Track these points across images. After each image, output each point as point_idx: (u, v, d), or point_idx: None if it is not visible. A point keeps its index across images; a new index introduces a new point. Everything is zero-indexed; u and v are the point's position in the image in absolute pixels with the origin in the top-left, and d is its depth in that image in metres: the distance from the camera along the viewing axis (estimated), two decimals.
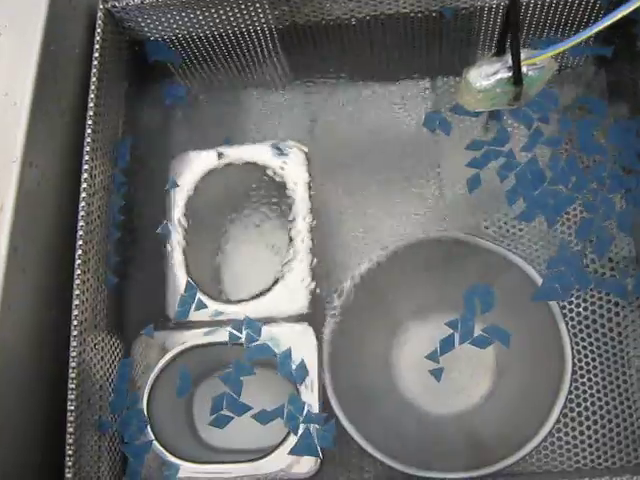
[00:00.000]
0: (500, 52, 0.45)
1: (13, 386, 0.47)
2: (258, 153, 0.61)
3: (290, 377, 0.53)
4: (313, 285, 0.57)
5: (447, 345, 0.54)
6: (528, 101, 0.46)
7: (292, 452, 0.51)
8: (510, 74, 0.44)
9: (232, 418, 0.52)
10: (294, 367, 0.54)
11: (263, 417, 0.52)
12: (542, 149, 0.58)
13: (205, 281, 0.60)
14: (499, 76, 0.44)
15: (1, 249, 0.46)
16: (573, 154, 0.58)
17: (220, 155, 0.61)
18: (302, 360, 0.54)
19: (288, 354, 0.54)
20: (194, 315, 0.57)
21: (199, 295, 0.57)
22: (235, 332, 0.54)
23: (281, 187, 0.60)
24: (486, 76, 0.44)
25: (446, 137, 0.60)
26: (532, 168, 0.56)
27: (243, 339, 0.54)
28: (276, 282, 0.57)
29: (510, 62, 0.43)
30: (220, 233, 0.64)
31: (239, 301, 0.58)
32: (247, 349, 0.54)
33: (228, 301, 0.58)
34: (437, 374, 0.55)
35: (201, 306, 0.56)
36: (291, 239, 0.58)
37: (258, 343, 0.54)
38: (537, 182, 0.55)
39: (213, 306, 0.57)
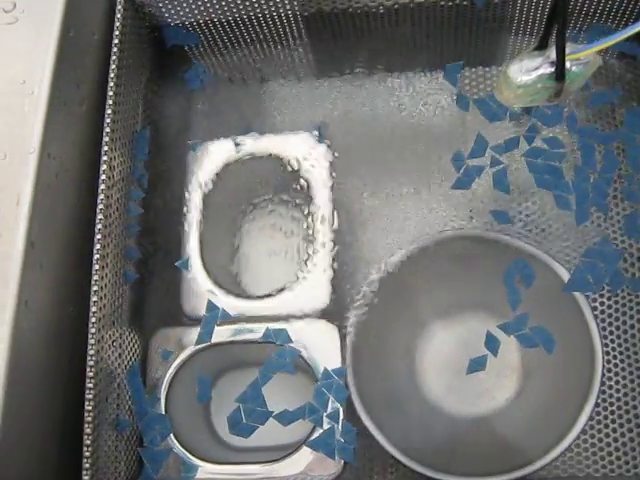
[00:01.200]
0: (542, 46, 0.42)
1: (30, 385, 0.46)
2: (278, 144, 0.59)
3: (313, 376, 0.52)
4: (335, 282, 0.55)
5: (492, 343, 0.53)
6: (568, 97, 0.44)
7: (311, 444, 0.50)
8: (552, 69, 0.42)
9: (256, 427, 0.51)
10: (317, 367, 0.52)
11: (285, 417, 0.51)
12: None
13: (224, 276, 0.58)
14: (541, 71, 0.42)
15: (18, 244, 0.45)
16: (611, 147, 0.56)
17: (239, 145, 0.59)
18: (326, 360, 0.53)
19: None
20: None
21: (217, 290, 0.55)
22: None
23: (302, 180, 0.59)
24: (527, 71, 0.42)
25: (472, 131, 0.58)
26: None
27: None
28: (297, 278, 0.56)
29: (553, 57, 0.41)
30: (238, 226, 0.62)
31: (259, 297, 0.56)
32: (273, 359, 0.53)
33: (248, 297, 0.57)
34: (480, 362, 0.54)
35: (226, 317, 0.54)
36: (312, 234, 0.57)
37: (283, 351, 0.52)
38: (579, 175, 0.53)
39: (233, 303, 0.56)
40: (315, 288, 0.56)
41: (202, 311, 0.56)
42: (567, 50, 0.41)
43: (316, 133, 0.60)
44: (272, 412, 0.51)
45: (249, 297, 0.57)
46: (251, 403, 0.51)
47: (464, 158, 0.57)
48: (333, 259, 0.56)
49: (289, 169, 0.59)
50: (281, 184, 0.62)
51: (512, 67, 0.43)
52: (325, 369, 0.52)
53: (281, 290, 0.56)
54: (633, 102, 0.57)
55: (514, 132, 0.57)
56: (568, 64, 0.42)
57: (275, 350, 0.53)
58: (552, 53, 0.42)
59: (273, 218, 0.62)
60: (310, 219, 0.58)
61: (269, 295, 0.56)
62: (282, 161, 0.59)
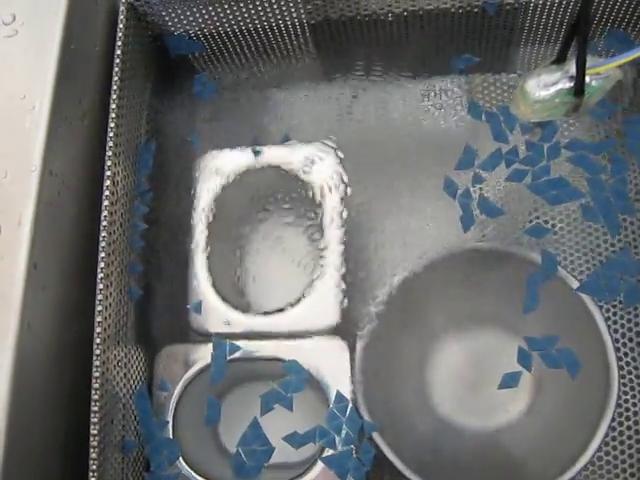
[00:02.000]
0: (560, 59, 0.41)
1: (34, 409, 0.45)
2: (286, 155, 0.58)
3: (325, 397, 0.51)
4: (345, 297, 0.54)
5: (525, 359, 0.52)
6: (586, 111, 0.43)
7: (325, 460, 0.49)
8: (571, 84, 0.40)
9: (261, 466, 0.49)
10: (329, 388, 0.51)
11: (295, 440, 0.50)
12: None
13: (230, 292, 0.57)
14: (559, 86, 0.41)
15: (20, 266, 0.43)
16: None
17: (243, 158, 0.58)
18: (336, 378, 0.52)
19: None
20: (219, 327, 0.54)
21: (223, 305, 0.54)
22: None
23: (311, 191, 0.57)
24: (545, 86, 0.41)
25: (484, 140, 0.57)
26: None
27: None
28: (306, 293, 0.54)
29: (572, 71, 0.40)
30: (246, 239, 0.61)
31: (268, 313, 0.55)
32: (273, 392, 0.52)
33: (256, 313, 0.55)
34: (514, 378, 0.52)
35: (235, 349, 0.53)
36: (321, 247, 0.55)
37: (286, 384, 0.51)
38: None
39: (239, 319, 0.54)
40: (325, 303, 0.54)
41: (208, 326, 0.54)
42: (587, 64, 0.40)
43: (324, 142, 0.58)
44: (274, 448, 0.50)
45: (257, 313, 0.55)
46: (252, 444, 0.49)
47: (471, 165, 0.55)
48: (343, 273, 0.55)
49: (297, 180, 0.58)
50: (289, 196, 0.60)
51: (530, 82, 0.41)
52: (338, 392, 0.50)
53: (290, 305, 0.55)
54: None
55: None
56: (588, 78, 0.40)
57: (282, 370, 0.52)
58: (571, 67, 0.40)
59: (281, 231, 0.61)
60: (319, 232, 0.56)
61: (278, 310, 0.55)
62: (290, 172, 0.58)
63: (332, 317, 0.54)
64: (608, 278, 0.52)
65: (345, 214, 0.56)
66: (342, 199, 0.57)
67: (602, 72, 0.40)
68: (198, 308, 0.55)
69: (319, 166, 0.58)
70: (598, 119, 0.54)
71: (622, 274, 0.52)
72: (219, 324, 0.55)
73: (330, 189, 0.57)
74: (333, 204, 0.57)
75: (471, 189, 0.55)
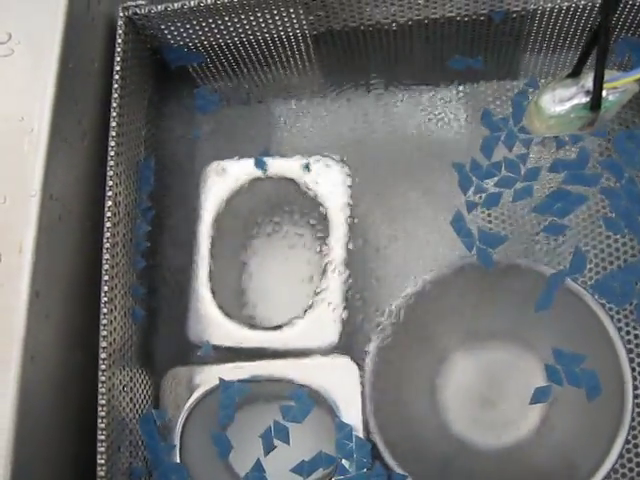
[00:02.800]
0: (576, 73, 0.40)
1: (39, 440, 0.44)
2: (290, 167, 0.57)
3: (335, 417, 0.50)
4: (350, 313, 0.53)
5: (554, 374, 0.51)
6: (602, 125, 0.41)
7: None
8: (587, 99, 0.39)
9: None
10: (338, 408, 0.50)
11: (303, 469, 0.49)
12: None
13: (235, 308, 0.56)
14: (575, 101, 0.40)
15: (22, 295, 0.42)
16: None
17: (244, 171, 0.56)
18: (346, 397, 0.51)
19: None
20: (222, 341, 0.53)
21: (227, 320, 0.53)
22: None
23: (315, 204, 0.56)
24: (560, 102, 0.40)
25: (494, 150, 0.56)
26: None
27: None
28: (310, 309, 0.53)
29: (588, 86, 0.39)
30: (249, 255, 0.60)
31: (272, 329, 0.54)
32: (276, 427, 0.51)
33: (261, 329, 0.54)
34: (546, 393, 0.51)
35: (245, 391, 0.51)
36: (326, 261, 0.54)
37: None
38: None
39: (243, 334, 0.53)
40: (329, 321, 0.53)
41: (212, 342, 0.53)
42: (604, 78, 0.38)
43: (328, 155, 0.57)
44: None
45: (262, 328, 0.54)
46: None
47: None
48: (348, 288, 0.54)
49: (300, 193, 0.57)
50: (292, 209, 0.59)
51: (544, 97, 0.40)
52: (339, 420, 0.49)
53: (295, 322, 0.53)
54: None
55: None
56: (604, 92, 0.39)
57: (290, 389, 0.51)
58: (587, 82, 0.39)
59: (285, 245, 0.60)
60: (324, 245, 0.55)
61: (282, 326, 0.53)
62: (293, 185, 0.57)
63: (336, 334, 0.53)
64: (623, 282, 0.51)
65: (351, 227, 0.55)
66: (347, 211, 0.55)
67: (619, 86, 0.39)
68: (208, 350, 0.53)
69: (323, 178, 0.56)
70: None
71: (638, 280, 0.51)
72: (222, 339, 0.53)
73: (336, 202, 0.56)
74: (338, 218, 0.55)
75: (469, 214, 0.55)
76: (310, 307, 0.53)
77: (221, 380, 0.51)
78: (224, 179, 0.57)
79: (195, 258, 0.55)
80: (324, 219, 0.56)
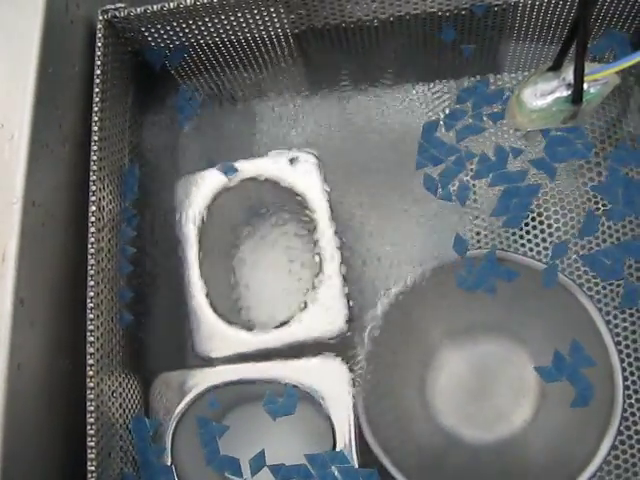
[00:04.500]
0: (556, 66, 0.40)
1: (28, 449, 0.43)
2: (273, 166, 0.56)
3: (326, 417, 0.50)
4: (341, 310, 0.52)
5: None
6: (584, 118, 0.41)
7: None
8: (569, 92, 0.39)
9: None
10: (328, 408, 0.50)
11: (279, 471, 0.49)
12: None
13: (228, 310, 0.55)
14: (557, 95, 0.40)
15: (6, 304, 0.42)
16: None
17: (231, 171, 0.56)
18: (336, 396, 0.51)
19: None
20: (215, 351, 0.53)
21: (223, 323, 0.53)
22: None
23: (300, 202, 0.56)
24: (542, 95, 0.40)
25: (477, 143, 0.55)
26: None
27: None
28: (303, 307, 0.53)
29: (569, 79, 0.39)
30: (238, 256, 0.59)
31: (264, 330, 0.53)
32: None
33: (254, 330, 0.54)
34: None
35: (222, 430, 0.51)
36: (315, 259, 0.54)
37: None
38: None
39: (249, 338, 0.53)
40: (321, 318, 0.53)
41: (206, 350, 0.53)
42: (585, 70, 0.38)
43: (311, 152, 0.57)
44: None
45: (255, 330, 0.54)
46: None
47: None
48: (340, 285, 0.53)
49: (285, 191, 0.56)
50: (279, 207, 0.59)
51: (525, 91, 0.40)
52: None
53: (285, 322, 0.53)
54: None
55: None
56: (585, 85, 0.39)
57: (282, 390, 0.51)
58: (568, 75, 0.39)
59: (273, 244, 0.59)
60: (312, 243, 0.55)
61: (287, 322, 0.53)
62: (277, 183, 0.56)
63: (329, 331, 0.53)
64: (614, 260, 0.51)
65: (336, 224, 0.55)
66: (332, 210, 0.55)
67: (600, 78, 0.39)
68: (197, 330, 0.53)
69: (307, 176, 0.56)
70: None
71: (634, 258, 0.51)
72: (220, 344, 0.53)
73: (320, 200, 0.55)
74: (323, 215, 0.55)
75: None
76: (304, 306, 0.53)
77: (198, 418, 0.51)
78: (207, 181, 0.57)
79: (183, 266, 0.55)
80: (309, 216, 0.55)
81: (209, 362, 0.53)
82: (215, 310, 0.54)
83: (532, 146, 0.53)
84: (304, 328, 0.53)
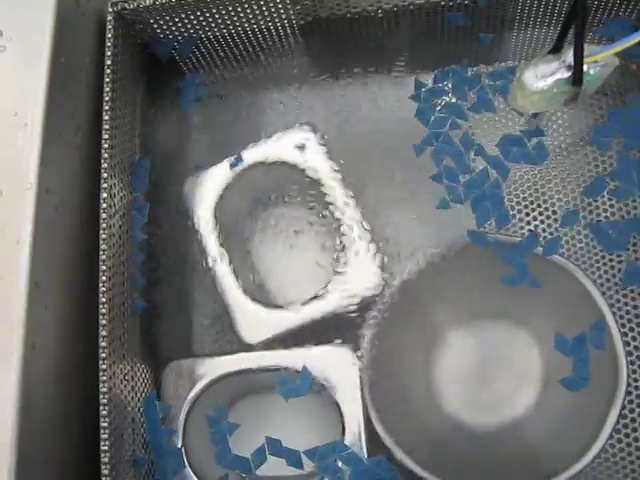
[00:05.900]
0: (557, 49, 0.41)
1: (43, 429, 0.44)
2: (281, 150, 0.57)
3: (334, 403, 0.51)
4: (374, 270, 0.53)
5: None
6: (585, 100, 0.42)
7: None
8: (569, 74, 0.40)
9: None
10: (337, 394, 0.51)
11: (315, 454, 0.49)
12: None
13: (257, 294, 0.56)
14: (557, 76, 0.40)
15: (21, 286, 0.43)
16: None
17: (239, 160, 0.57)
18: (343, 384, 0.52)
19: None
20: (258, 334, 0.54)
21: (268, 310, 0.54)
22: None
23: (312, 187, 0.57)
24: (543, 77, 0.40)
25: (482, 128, 0.56)
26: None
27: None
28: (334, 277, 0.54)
29: (569, 61, 0.40)
30: (254, 241, 0.59)
31: (310, 300, 0.54)
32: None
33: (305, 304, 0.54)
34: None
35: (233, 428, 0.52)
36: (336, 243, 0.55)
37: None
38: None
39: (289, 317, 0.54)
40: (366, 267, 0.54)
41: (250, 335, 0.54)
42: (584, 52, 0.39)
43: (318, 139, 0.57)
44: None
45: (305, 304, 0.54)
46: None
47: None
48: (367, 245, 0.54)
49: (294, 176, 0.57)
50: (291, 191, 0.59)
51: (527, 73, 0.41)
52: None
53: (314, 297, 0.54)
54: None
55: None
56: (585, 67, 0.40)
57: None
58: (568, 57, 0.40)
59: (288, 226, 0.60)
60: (326, 226, 0.56)
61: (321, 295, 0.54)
62: (286, 167, 0.57)
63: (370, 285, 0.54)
64: (620, 233, 0.52)
65: (349, 208, 0.56)
66: (342, 191, 0.56)
67: (600, 60, 0.40)
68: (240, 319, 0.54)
69: (316, 156, 0.56)
70: None
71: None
72: (272, 329, 0.54)
73: (332, 184, 0.56)
74: (335, 199, 0.56)
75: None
76: (340, 267, 0.54)
77: (208, 417, 0.52)
78: (218, 171, 0.57)
79: (202, 255, 0.55)
80: (322, 200, 0.56)
81: (250, 348, 0.53)
82: (249, 295, 0.54)
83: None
84: (337, 297, 0.53)
